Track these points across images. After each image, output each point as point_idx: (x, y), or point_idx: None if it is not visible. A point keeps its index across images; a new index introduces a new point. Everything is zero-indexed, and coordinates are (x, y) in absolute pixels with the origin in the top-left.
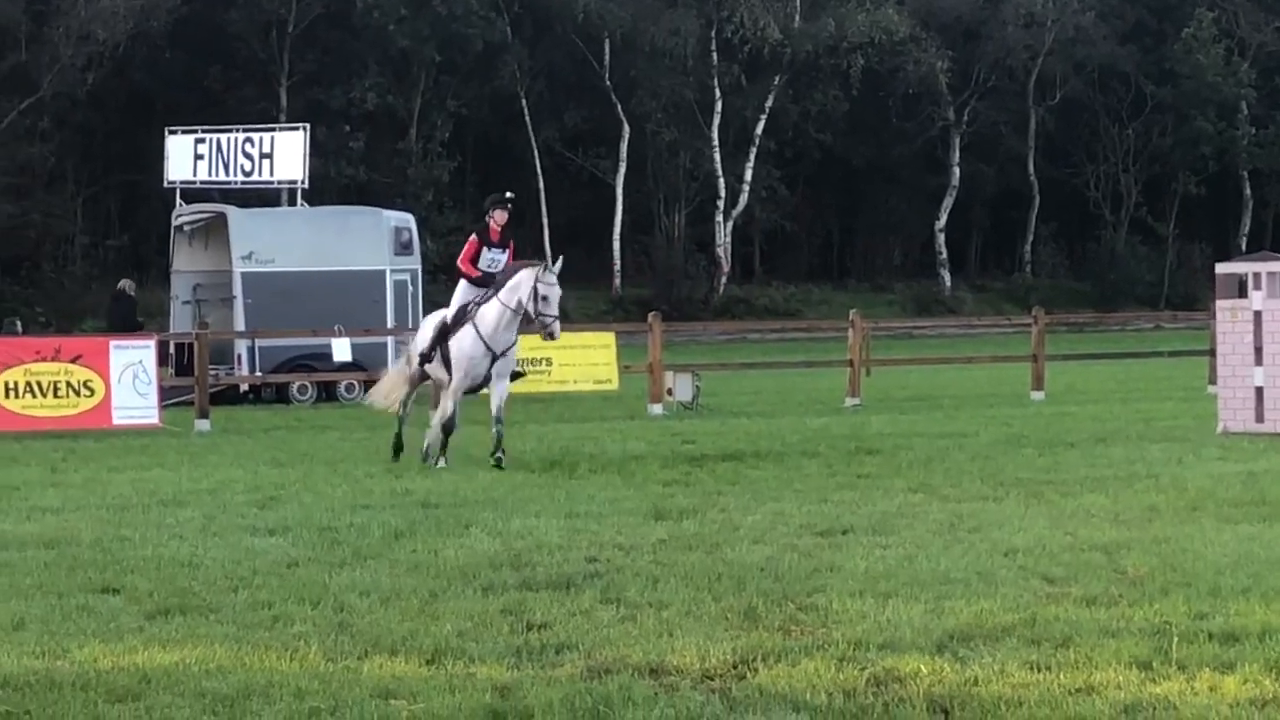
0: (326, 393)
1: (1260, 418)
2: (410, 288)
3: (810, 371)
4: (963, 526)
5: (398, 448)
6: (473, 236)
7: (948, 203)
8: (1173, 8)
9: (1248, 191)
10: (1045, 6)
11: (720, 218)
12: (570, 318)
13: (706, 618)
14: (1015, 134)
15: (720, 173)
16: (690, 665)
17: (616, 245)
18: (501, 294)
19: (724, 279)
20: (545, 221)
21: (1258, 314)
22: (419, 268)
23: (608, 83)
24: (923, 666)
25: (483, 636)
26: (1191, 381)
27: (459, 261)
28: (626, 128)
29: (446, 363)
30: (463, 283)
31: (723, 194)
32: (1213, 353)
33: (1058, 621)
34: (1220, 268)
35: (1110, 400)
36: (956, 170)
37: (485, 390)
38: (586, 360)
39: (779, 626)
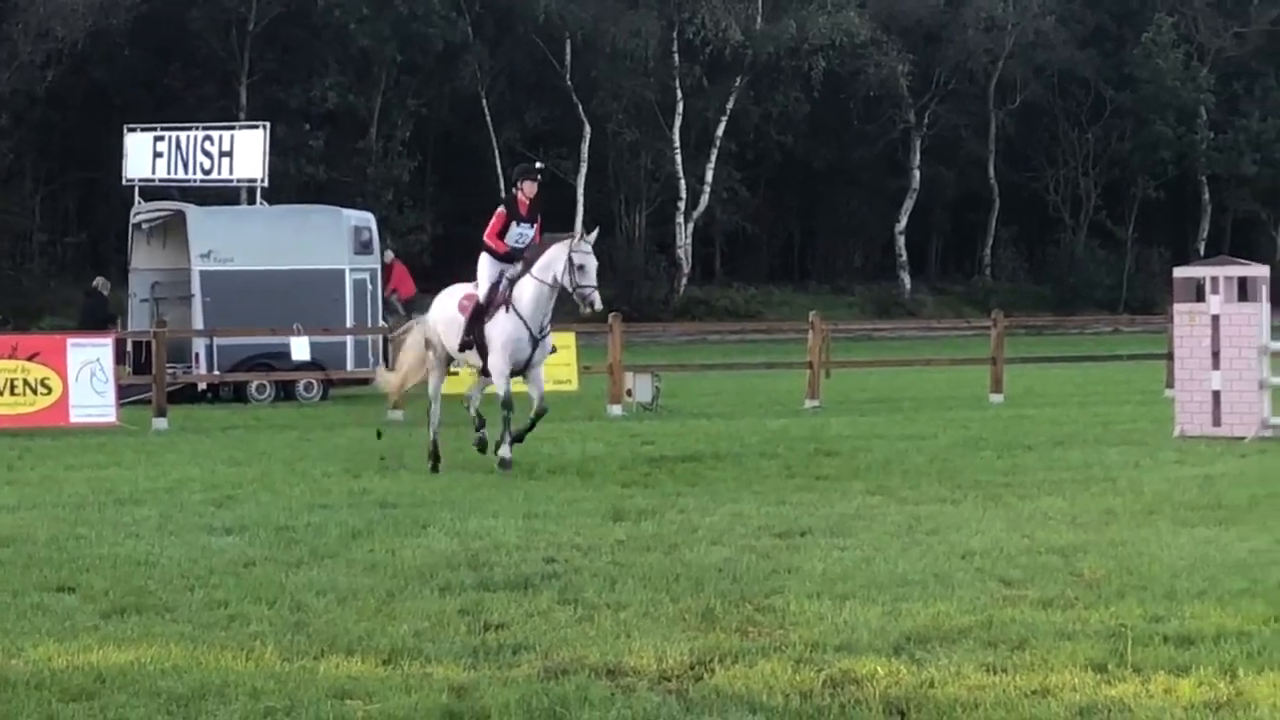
0: (285, 392)
1: (1217, 421)
2: (370, 287)
3: (770, 373)
4: (920, 529)
5: (481, 425)
6: (499, 210)
7: (908, 205)
8: (1132, 13)
9: (1206, 196)
10: (1005, 11)
11: (681, 219)
12: None
13: (664, 619)
14: (975, 137)
15: (681, 174)
16: (647, 666)
17: None
18: (536, 271)
19: (684, 280)
20: None
21: (1215, 318)
22: (379, 267)
23: (569, 83)
24: (879, 668)
25: (439, 637)
26: (1149, 385)
27: (486, 236)
28: (587, 128)
29: (482, 348)
30: (486, 259)
31: (683, 195)
32: (1170, 356)
33: (1014, 624)
34: (1178, 272)
35: (1068, 403)
36: (917, 173)
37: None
38: (546, 360)
39: (736, 628)
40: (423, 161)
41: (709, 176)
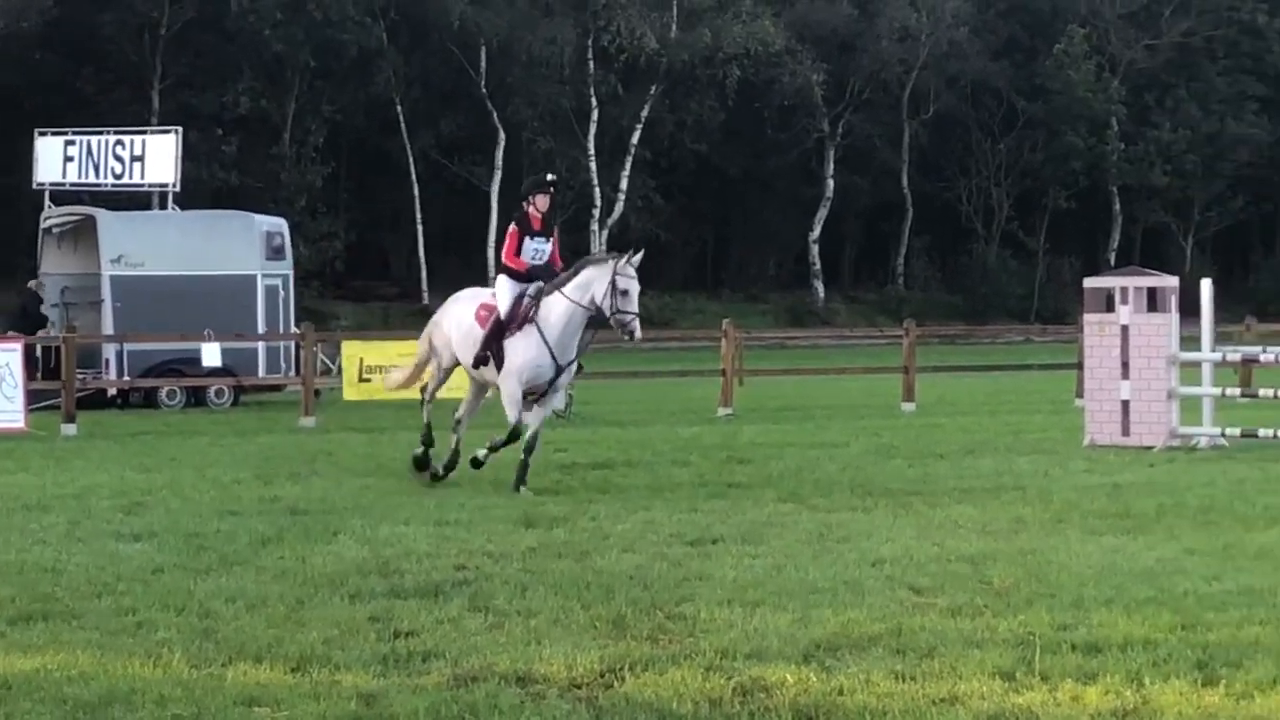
0: (195, 398)
1: (1126, 431)
2: (281, 293)
3: (683, 381)
4: (831, 536)
5: (425, 450)
6: (512, 227)
7: (822, 214)
8: (1044, 24)
9: (1117, 207)
10: (919, 21)
11: (595, 226)
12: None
13: (575, 626)
14: (889, 147)
15: (596, 182)
16: (557, 674)
17: (491, 253)
18: (569, 290)
19: None
20: (420, 229)
21: (1125, 328)
22: (290, 273)
23: (484, 90)
24: (789, 676)
25: (349, 644)
26: (1060, 394)
27: (504, 258)
28: (502, 135)
29: (500, 365)
30: (504, 280)
31: (598, 203)
32: (1080, 366)
33: (923, 631)
34: (1088, 282)
35: (979, 412)
36: (831, 182)
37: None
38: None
39: (647, 635)
40: (336, 168)
41: (623, 184)
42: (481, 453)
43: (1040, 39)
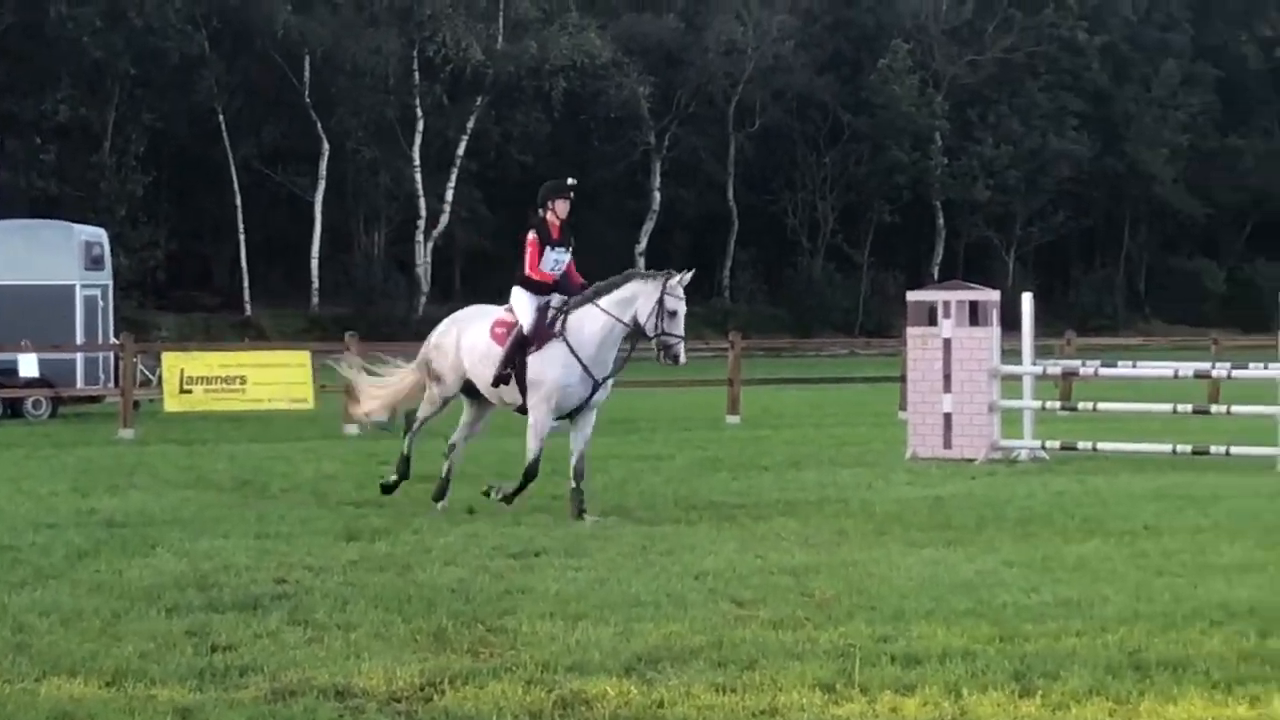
0: (11, 409)
1: (948, 444)
2: (101, 303)
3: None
4: (655, 549)
5: (398, 481)
6: (531, 236)
7: (648, 226)
8: (869, 39)
9: (940, 221)
10: (745, 35)
11: (421, 237)
12: (266, 335)
13: (395, 639)
14: (715, 160)
15: (421, 192)
16: (377, 687)
17: (315, 264)
18: (608, 304)
19: (424, 299)
20: (242, 239)
21: (947, 341)
22: (110, 283)
23: (307, 100)
24: (610, 689)
25: (165, 658)
26: (883, 407)
27: (528, 271)
28: (326, 145)
29: (523, 383)
30: (522, 294)
31: (423, 214)
32: (904, 379)
33: (745, 644)
34: (911, 296)
35: (804, 425)
36: (657, 194)
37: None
38: (282, 379)
39: (468, 648)
40: (157, 176)
41: (449, 195)
42: (495, 494)
43: (865, 53)
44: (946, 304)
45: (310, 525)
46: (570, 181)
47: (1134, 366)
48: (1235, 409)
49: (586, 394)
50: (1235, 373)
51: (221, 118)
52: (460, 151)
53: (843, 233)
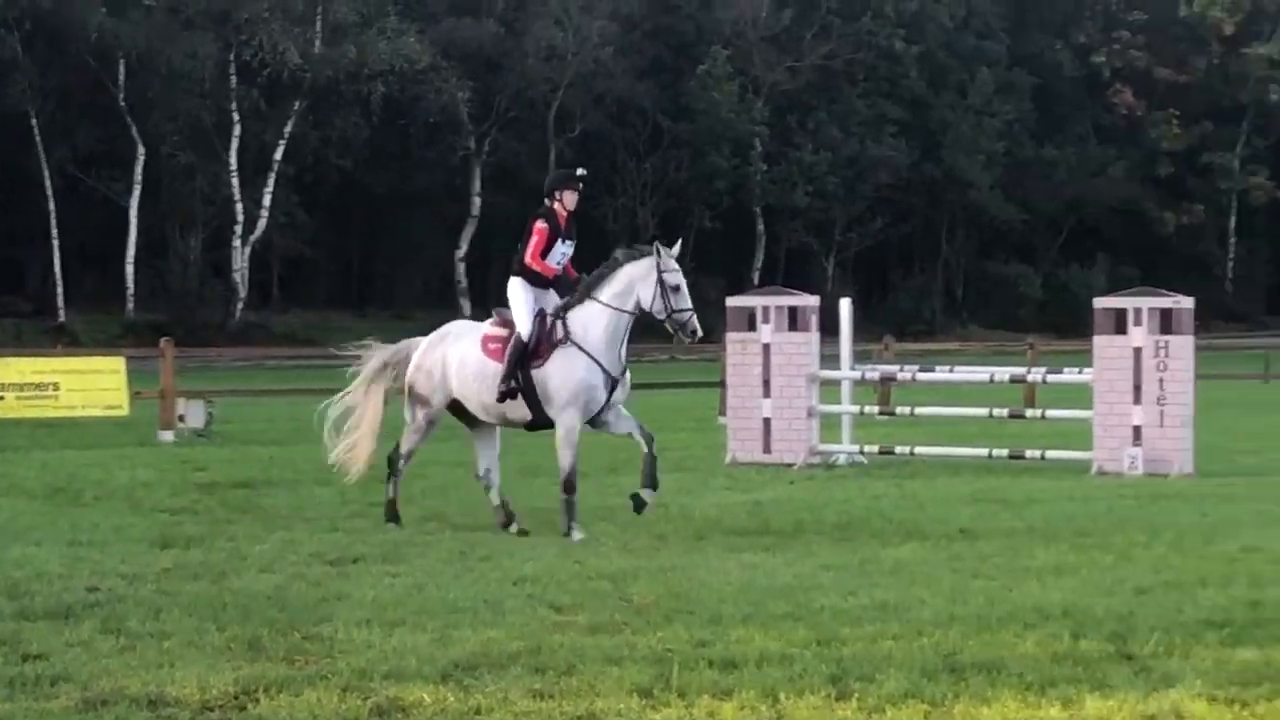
0: None
1: (767, 448)
2: None
3: (328, 399)
4: (474, 555)
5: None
6: (539, 224)
7: (469, 232)
8: (689, 45)
9: (761, 227)
10: (565, 40)
11: (238, 242)
12: (80, 341)
13: (209, 648)
14: (535, 165)
15: (238, 197)
16: (190, 696)
17: (129, 269)
18: (608, 297)
19: (240, 304)
20: (56, 244)
21: (766, 346)
22: None
23: (122, 104)
24: (426, 695)
25: None
26: (703, 412)
27: (529, 259)
28: (142, 149)
29: (533, 397)
30: (521, 286)
31: (240, 219)
32: (723, 384)
33: (563, 649)
34: (731, 301)
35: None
36: (478, 200)
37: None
38: (95, 385)
39: (283, 656)
40: None
41: (266, 200)
42: (647, 498)
43: (685, 60)
44: (766, 309)
45: (124, 533)
46: (580, 172)
47: (951, 371)
48: (1050, 413)
49: (608, 392)
50: (1050, 377)
51: (35, 122)
52: (278, 156)
53: (663, 238)
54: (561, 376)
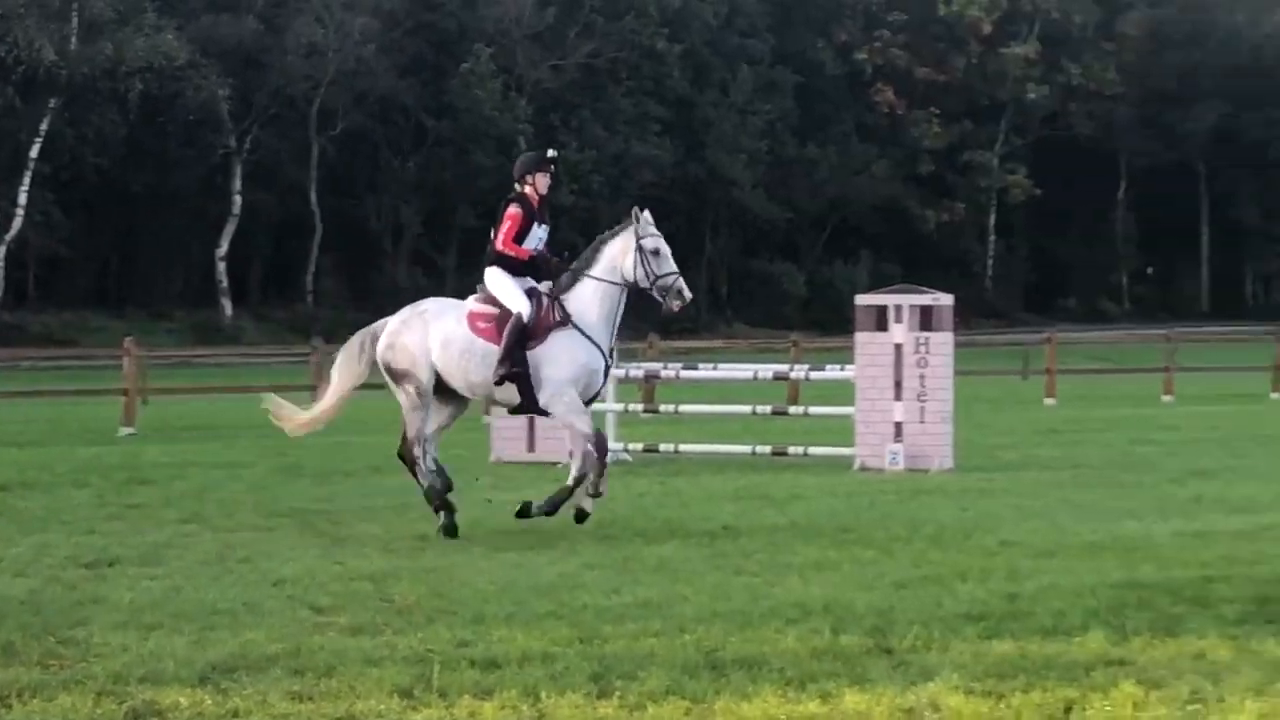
0: None
1: (532, 447)
2: None
3: (85, 400)
4: (233, 557)
5: (450, 515)
6: (512, 209)
7: (229, 230)
8: (452, 43)
9: None
10: (327, 37)
11: None
12: None
13: None
14: (297, 163)
15: None
16: None
17: None
18: (598, 271)
19: None
20: None
21: None
22: None
23: None
24: (183, 699)
25: None
26: (468, 411)
27: (501, 244)
28: None
29: (525, 381)
30: (500, 275)
31: None
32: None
33: (323, 651)
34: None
35: (388, 431)
36: (238, 198)
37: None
38: None
39: (37, 661)
40: None
41: (22, 199)
42: (589, 496)
43: (448, 58)
44: None
45: None
46: (551, 153)
47: (715, 369)
48: (813, 410)
49: (605, 375)
50: (813, 374)
51: None
52: (33, 154)
53: (428, 237)
54: (561, 360)
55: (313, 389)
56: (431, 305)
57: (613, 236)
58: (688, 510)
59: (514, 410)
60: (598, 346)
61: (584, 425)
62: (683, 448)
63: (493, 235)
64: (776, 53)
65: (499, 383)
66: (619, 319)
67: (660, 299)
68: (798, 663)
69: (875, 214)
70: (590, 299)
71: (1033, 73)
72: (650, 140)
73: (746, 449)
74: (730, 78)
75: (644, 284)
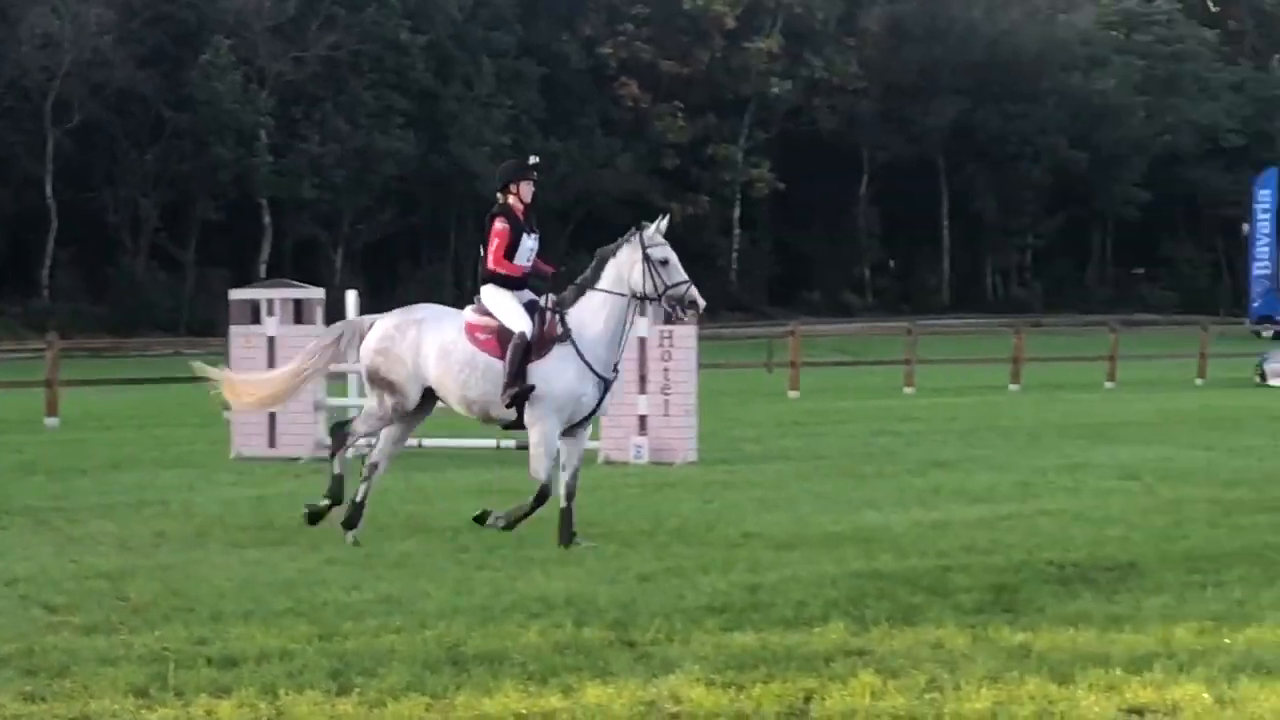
0: None
1: (273, 443)
2: None
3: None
4: None
5: (330, 505)
6: (498, 225)
7: None
8: (191, 34)
9: (267, 219)
10: (62, 28)
11: None
12: None
13: None
14: (32, 156)
15: None
16: None
17: None
18: (605, 283)
19: None
20: None
21: (271, 339)
22: None
23: None
24: None
25: None
26: (209, 407)
27: (493, 263)
28: None
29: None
30: (498, 291)
31: None
32: None
33: (56, 650)
34: (234, 294)
35: (126, 426)
36: None
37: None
38: None
39: None
40: None
41: None
42: (499, 521)
43: (187, 48)
44: (270, 302)
45: None
46: (533, 160)
47: None
48: None
49: (597, 400)
50: None
51: None
52: None
53: (166, 230)
54: (551, 381)
55: (48, 384)
56: (427, 312)
57: (615, 250)
58: (431, 505)
59: (508, 425)
60: (590, 367)
61: (542, 468)
62: (426, 442)
63: (483, 253)
64: (522, 45)
65: (509, 405)
66: (627, 333)
67: (670, 309)
68: (540, 657)
69: (620, 207)
70: (596, 312)
71: (776, 67)
72: (393, 133)
73: (490, 443)
74: (475, 71)
75: (653, 295)
